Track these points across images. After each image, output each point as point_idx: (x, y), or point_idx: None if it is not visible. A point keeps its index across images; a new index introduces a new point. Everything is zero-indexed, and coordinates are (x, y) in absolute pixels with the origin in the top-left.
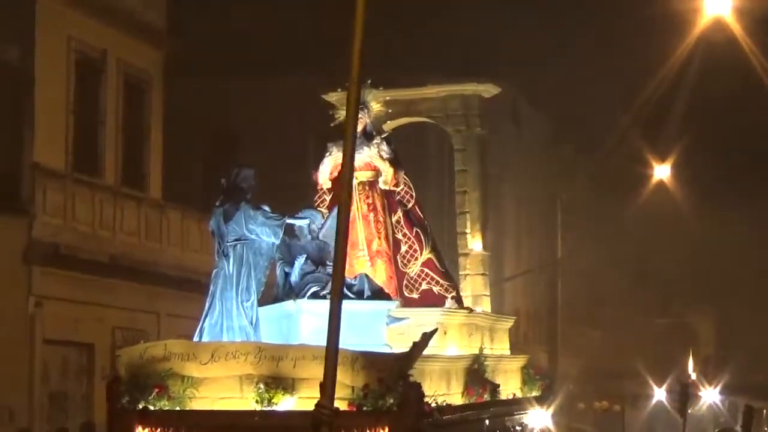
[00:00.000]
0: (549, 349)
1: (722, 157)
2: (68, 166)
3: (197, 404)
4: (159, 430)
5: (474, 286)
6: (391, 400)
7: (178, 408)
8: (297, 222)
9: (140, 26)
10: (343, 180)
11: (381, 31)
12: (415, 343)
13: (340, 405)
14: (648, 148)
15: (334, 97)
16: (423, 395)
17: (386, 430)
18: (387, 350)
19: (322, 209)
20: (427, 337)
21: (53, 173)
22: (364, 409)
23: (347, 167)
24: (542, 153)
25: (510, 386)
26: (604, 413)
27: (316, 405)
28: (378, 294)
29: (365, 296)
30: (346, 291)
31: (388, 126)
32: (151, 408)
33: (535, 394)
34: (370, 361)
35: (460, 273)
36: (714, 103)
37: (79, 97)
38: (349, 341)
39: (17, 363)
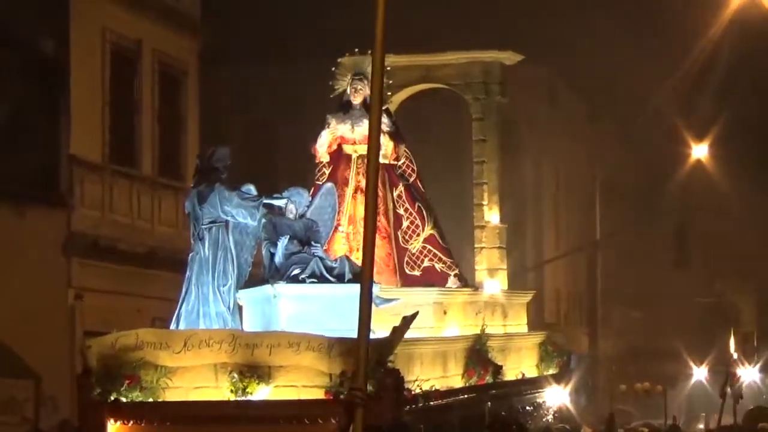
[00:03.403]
0: (590, 331)
1: (761, 135)
2: (105, 158)
3: (171, 395)
4: (131, 423)
5: (490, 260)
6: (369, 388)
7: (150, 399)
8: (275, 202)
9: (174, 16)
10: (368, 156)
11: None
12: (394, 328)
13: (317, 393)
14: (685, 127)
15: (347, 62)
16: (402, 382)
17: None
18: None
19: (321, 184)
20: (407, 321)
21: (90, 165)
22: (341, 397)
23: (373, 142)
24: (580, 133)
25: (525, 363)
26: (646, 394)
27: (351, 388)
28: (360, 277)
29: (346, 279)
30: (325, 274)
31: (405, 92)
32: (123, 400)
33: (552, 371)
34: (347, 347)
35: (476, 246)
36: (752, 83)
37: (115, 88)
38: (329, 326)
39: (58, 355)
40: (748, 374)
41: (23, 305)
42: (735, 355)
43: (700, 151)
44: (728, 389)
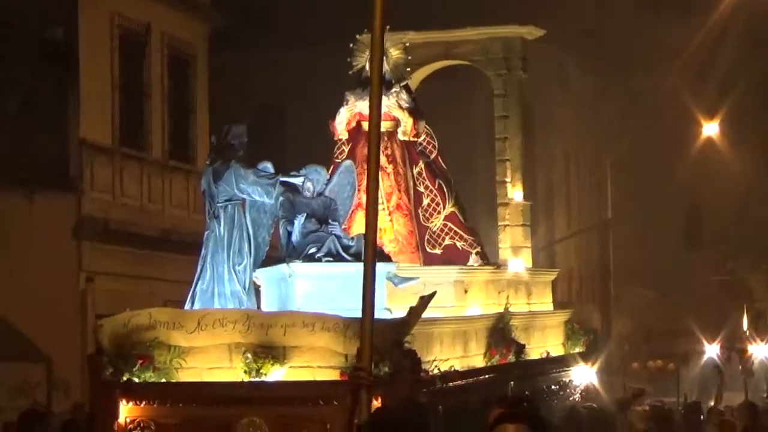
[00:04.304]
0: (602, 309)
1: None
2: (115, 141)
3: (185, 375)
4: (144, 403)
5: (513, 238)
6: (386, 369)
7: (164, 380)
8: (292, 180)
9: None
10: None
11: None
12: (411, 308)
13: (333, 374)
14: (696, 105)
15: (365, 38)
16: (419, 362)
17: (378, 400)
18: (386, 315)
19: (340, 161)
20: (425, 301)
21: (101, 149)
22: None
23: (374, 119)
24: (591, 112)
25: (551, 342)
26: (659, 372)
27: (354, 368)
28: (377, 256)
29: (363, 258)
30: (342, 252)
31: (426, 70)
32: (136, 380)
33: (578, 350)
34: None
35: (499, 224)
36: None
37: (124, 73)
38: (346, 305)
39: (70, 338)
40: (760, 351)
41: (35, 289)
42: (747, 333)
43: (711, 128)
44: (721, 365)
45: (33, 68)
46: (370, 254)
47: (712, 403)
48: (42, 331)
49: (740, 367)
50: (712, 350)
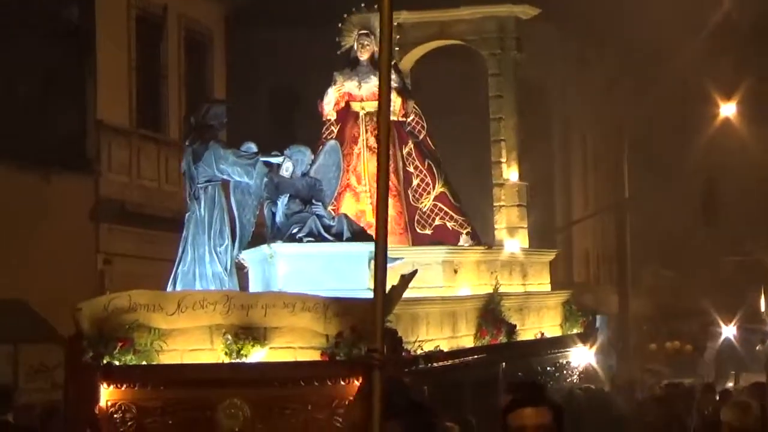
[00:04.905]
0: (620, 291)
1: None
2: (132, 123)
3: (165, 357)
4: (125, 386)
5: (509, 218)
6: (365, 348)
7: (144, 362)
8: (272, 160)
9: None
10: (379, 115)
11: None
12: (392, 287)
13: (313, 354)
14: (712, 85)
15: (354, 18)
16: (400, 342)
17: (360, 380)
18: (366, 295)
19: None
20: (406, 280)
21: (117, 130)
22: (338, 358)
23: (384, 99)
24: (608, 93)
25: (547, 324)
26: (676, 353)
27: (369, 350)
28: (359, 235)
29: (345, 238)
30: (323, 233)
31: (420, 50)
32: (116, 363)
33: (576, 331)
34: (343, 307)
35: (495, 204)
36: None
37: (141, 54)
38: (327, 285)
39: None
40: None
41: (52, 271)
42: (765, 314)
43: (728, 109)
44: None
45: (50, 48)
46: (382, 233)
47: (731, 384)
48: (59, 312)
49: (758, 347)
50: (729, 331)
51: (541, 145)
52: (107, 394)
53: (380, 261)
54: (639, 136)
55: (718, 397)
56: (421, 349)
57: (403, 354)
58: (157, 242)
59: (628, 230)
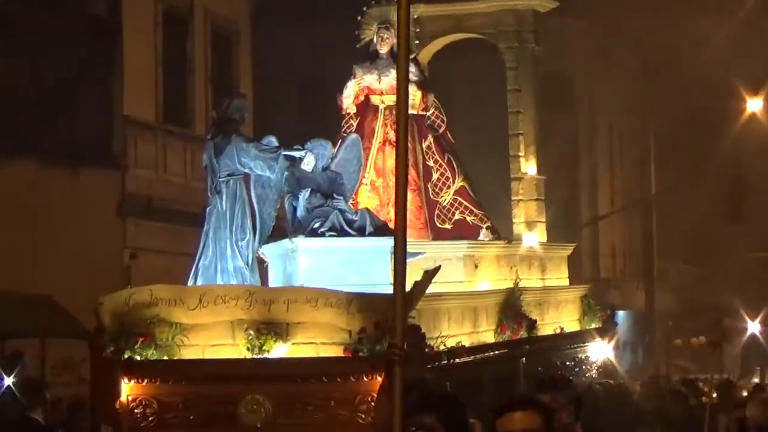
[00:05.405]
0: (646, 286)
1: None
2: (159, 118)
3: (187, 352)
4: (146, 381)
5: (527, 213)
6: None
7: (165, 357)
8: (294, 153)
9: None
10: (397, 108)
11: None
12: (415, 282)
13: (336, 350)
14: (739, 80)
15: (374, 11)
16: (423, 338)
17: (382, 376)
18: (388, 291)
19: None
20: (429, 276)
21: (144, 125)
22: (360, 354)
23: (401, 92)
24: (634, 88)
25: (565, 318)
26: (701, 348)
27: (389, 345)
28: (381, 230)
29: (367, 232)
30: (345, 227)
31: (437, 43)
32: (138, 358)
33: (595, 325)
34: (366, 303)
35: (513, 198)
36: None
37: (167, 49)
38: (349, 281)
39: None
40: None
41: (79, 266)
42: None
43: (755, 104)
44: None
45: (77, 43)
46: (401, 227)
47: (757, 380)
48: (86, 307)
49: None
50: (754, 327)
51: (567, 140)
52: (128, 389)
53: (399, 255)
54: (666, 132)
55: (745, 393)
56: (444, 345)
57: (427, 350)
58: (184, 238)
59: (654, 226)
